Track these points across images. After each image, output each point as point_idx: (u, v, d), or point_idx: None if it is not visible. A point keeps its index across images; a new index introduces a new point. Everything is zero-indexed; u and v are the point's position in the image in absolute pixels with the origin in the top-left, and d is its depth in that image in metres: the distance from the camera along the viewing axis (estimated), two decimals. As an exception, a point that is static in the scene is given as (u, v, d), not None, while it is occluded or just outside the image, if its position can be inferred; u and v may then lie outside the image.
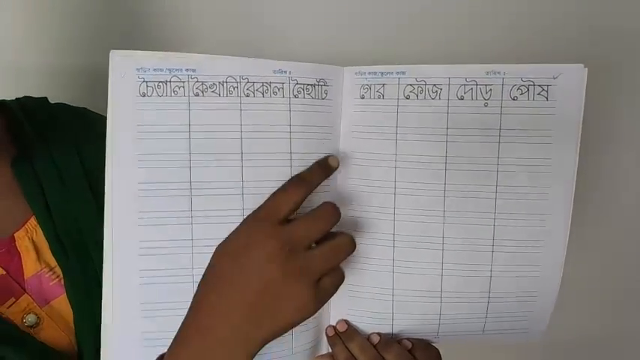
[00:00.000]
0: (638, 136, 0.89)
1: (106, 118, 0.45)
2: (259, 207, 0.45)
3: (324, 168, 0.48)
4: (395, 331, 0.52)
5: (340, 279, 0.46)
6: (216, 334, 0.43)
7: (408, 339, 0.52)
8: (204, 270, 0.46)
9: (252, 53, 0.48)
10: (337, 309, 0.53)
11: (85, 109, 0.65)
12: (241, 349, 0.43)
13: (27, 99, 0.62)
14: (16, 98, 0.61)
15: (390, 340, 0.52)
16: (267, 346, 0.44)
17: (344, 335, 0.52)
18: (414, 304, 0.51)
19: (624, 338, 0.98)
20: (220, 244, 0.45)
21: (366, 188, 0.50)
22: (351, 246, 0.46)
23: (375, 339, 0.52)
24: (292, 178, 0.47)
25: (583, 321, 0.96)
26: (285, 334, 0.44)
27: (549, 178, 0.49)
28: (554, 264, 0.51)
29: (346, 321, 0.52)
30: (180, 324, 0.45)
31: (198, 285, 0.46)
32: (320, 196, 0.49)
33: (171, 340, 0.46)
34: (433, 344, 0.54)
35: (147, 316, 0.47)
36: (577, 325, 0.94)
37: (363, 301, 0.52)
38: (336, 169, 0.48)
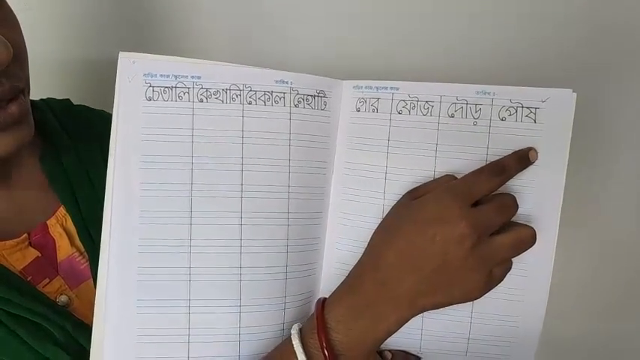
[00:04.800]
0: (637, 137, 0.88)
1: None
2: (454, 183, 0.46)
3: (523, 160, 0.48)
4: None
5: (509, 269, 0.47)
6: (387, 290, 0.45)
7: (390, 350, 0.53)
8: (200, 269, 0.47)
9: (256, 61, 0.50)
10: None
11: (103, 110, 0.68)
12: (405, 309, 0.45)
13: (52, 100, 0.65)
14: (41, 99, 0.65)
15: None
16: None
17: None
18: None
19: (624, 339, 0.97)
20: (405, 206, 0.47)
21: (360, 199, 0.51)
22: (533, 240, 0.46)
23: None
24: (492, 164, 0.47)
25: (582, 321, 0.96)
26: None
27: (532, 202, 0.49)
28: (539, 289, 0.51)
29: None
30: (172, 324, 0.47)
31: (375, 233, 0.48)
32: (314, 202, 0.51)
33: (164, 342, 0.47)
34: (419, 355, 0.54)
35: (141, 312, 0.48)
36: (576, 324, 0.94)
37: None
38: (532, 163, 0.48)
